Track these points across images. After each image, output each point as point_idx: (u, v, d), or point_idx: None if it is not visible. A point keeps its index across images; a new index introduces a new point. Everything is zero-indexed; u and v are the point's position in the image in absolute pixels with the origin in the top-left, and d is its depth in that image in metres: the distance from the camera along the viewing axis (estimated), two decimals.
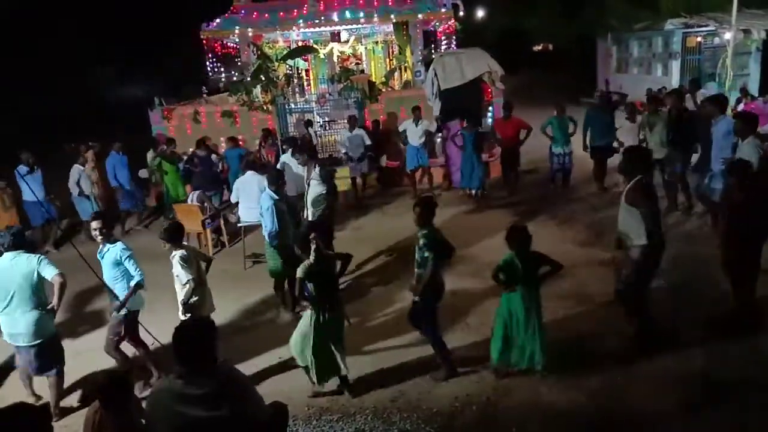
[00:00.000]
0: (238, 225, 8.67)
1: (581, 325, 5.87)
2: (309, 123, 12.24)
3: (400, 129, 11.34)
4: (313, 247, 4.94)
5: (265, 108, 12.88)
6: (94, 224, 5.34)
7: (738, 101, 12.88)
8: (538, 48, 41.67)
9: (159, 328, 5.49)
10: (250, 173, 8.29)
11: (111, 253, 5.31)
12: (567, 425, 4.50)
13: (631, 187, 5.02)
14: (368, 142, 11.15)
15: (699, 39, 19.24)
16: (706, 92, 12.80)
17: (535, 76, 33.88)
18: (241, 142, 11.63)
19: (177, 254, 5.30)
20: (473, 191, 10.68)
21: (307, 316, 5.04)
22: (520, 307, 4.93)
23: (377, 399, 5.00)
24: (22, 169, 9.32)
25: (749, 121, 6.61)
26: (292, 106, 13.55)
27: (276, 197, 6.59)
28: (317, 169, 7.85)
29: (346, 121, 11.70)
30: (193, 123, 12.93)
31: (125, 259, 5.28)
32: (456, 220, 9.60)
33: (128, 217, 10.99)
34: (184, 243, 5.58)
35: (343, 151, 11.37)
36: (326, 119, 13.58)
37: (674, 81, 18.63)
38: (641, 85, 18.85)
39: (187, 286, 5.25)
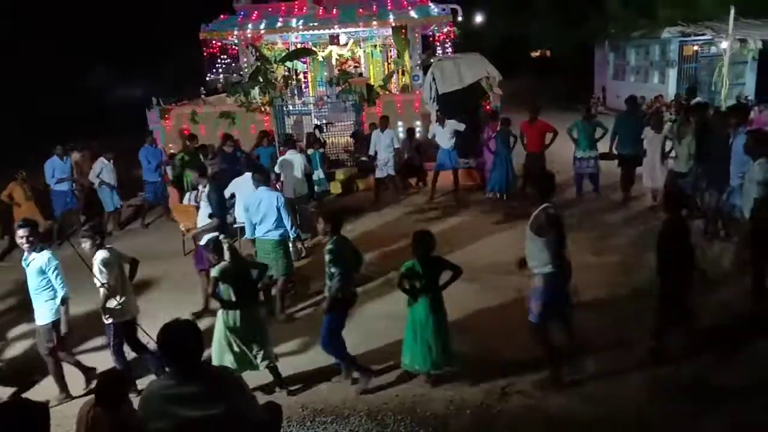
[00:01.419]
0: (234, 226, 8.65)
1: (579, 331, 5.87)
2: (319, 129, 12.08)
3: (429, 135, 11.25)
4: (226, 248, 5.11)
5: (263, 109, 12.90)
6: (21, 232, 5.10)
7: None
8: (535, 54, 41.78)
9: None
10: (249, 174, 8.21)
11: (36, 261, 5.14)
12: (561, 429, 4.51)
13: (536, 214, 4.85)
14: (397, 145, 11.11)
15: (696, 48, 19.38)
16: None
17: (532, 81, 33.98)
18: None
19: (98, 256, 5.17)
20: (502, 194, 10.73)
21: (219, 320, 5.14)
22: (424, 313, 4.99)
23: (371, 401, 5.00)
24: (56, 160, 10.14)
25: (762, 140, 6.10)
26: (290, 108, 13.57)
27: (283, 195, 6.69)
28: None
29: (352, 123, 11.64)
30: (191, 123, 12.93)
31: (50, 270, 5.11)
32: (475, 224, 9.67)
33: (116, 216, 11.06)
34: (107, 245, 5.40)
35: (372, 152, 11.24)
36: (324, 122, 13.59)
37: (671, 89, 18.76)
38: (637, 93, 18.91)
39: (101, 290, 5.14)
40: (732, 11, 12.39)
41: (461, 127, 10.93)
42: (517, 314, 6.28)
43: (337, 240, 5.12)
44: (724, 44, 13.41)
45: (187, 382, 2.86)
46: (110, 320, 5.26)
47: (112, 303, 5.20)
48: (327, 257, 5.02)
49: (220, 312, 5.17)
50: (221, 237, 5.35)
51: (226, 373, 3.13)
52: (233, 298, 5.09)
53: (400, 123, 12.62)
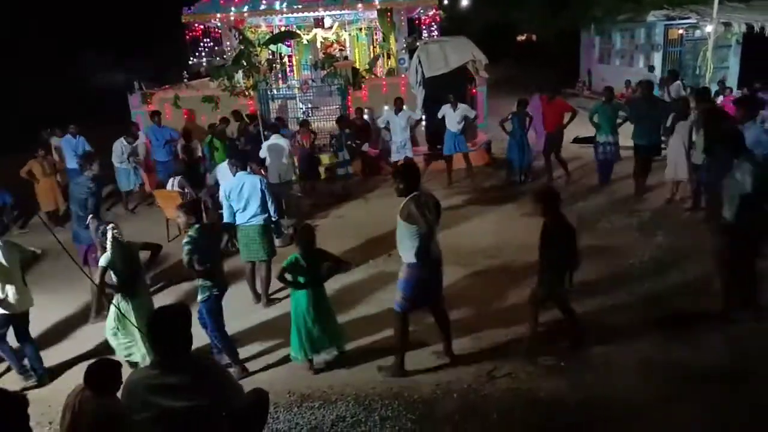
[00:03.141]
0: (219, 211, 8.57)
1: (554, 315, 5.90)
2: (306, 124, 11.83)
3: (439, 115, 10.92)
4: (110, 236, 5.20)
5: (246, 93, 12.74)
6: None
7: (717, 94, 13.02)
8: (521, 38, 41.68)
9: None
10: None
11: None
12: (548, 412, 4.52)
13: (405, 203, 4.69)
14: (417, 117, 10.84)
15: (681, 31, 19.42)
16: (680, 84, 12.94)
17: (518, 65, 33.93)
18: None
19: None
20: (520, 177, 10.75)
21: (112, 309, 5.24)
22: (305, 305, 5.06)
23: (358, 386, 4.99)
24: (70, 139, 10.97)
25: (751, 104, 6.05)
26: (275, 92, 13.42)
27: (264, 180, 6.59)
28: None
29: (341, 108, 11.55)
30: (174, 108, 12.75)
31: None
32: (466, 208, 9.62)
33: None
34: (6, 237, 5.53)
35: (388, 138, 11.14)
36: (309, 106, 13.46)
37: (656, 72, 18.79)
38: (623, 77, 19.00)
39: None
40: None
41: (472, 113, 10.75)
42: (504, 298, 6.35)
43: (198, 227, 5.20)
44: (709, 28, 13.44)
45: (172, 372, 2.82)
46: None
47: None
48: (184, 240, 5.13)
49: (114, 300, 5.26)
50: (110, 227, 5.36)
51: (210, 363, 3.09)
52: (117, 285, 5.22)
53: (386, 107, 12.52)
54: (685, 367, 4.91)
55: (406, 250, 4.78)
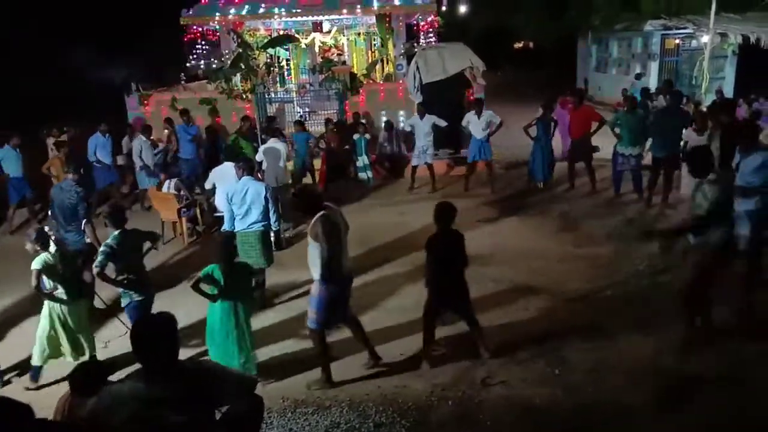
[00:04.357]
0: (215, 215, 8.56)
1: (549, 323, 5.92)
2: (301, 121, 11.81)
3: (463, 123, 10.78)
4: (53, 240, 5.28)
5: (244, 96, 12.74)
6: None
7: (713, 103, 13.07)
8: (519, 45, 41.85)
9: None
10: (228, 163, 8.07)
11: None
12: (542, 419, 4.53)
13: (314, 222, 4.76)
14: (443, 124, 10.82)
15: (677, 41, 19.52)
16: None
17: (516, 73, 34.06)
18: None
19: None
20: (541, 183, 10.69)
21: (45, 312, 5.26)
22: (217, 317, 5.02)
23: (353, 392, 4.98)
24: (99, 137, 10.68)
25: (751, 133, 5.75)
26: (272, 95, 13.42)
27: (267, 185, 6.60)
28: None
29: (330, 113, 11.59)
30: (171, 110, 12.74)
31: None
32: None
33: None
34: None
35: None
36: (307, 110, 13.47)
37: (652, 81, 18.88)
38: (619, 85, 19.07)
39: None
40: (713, 5, 12.46)
41: (497, 119, 10.56)
42: (495, 305, 6.34)
43: (119, 232, 5.21)
44: (705, 38, 13.50)
45: (159, 383, 2.64)
46: None
47: None
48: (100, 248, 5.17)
49: (46, 304, 5.26)
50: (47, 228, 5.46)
51: (203, 371, 2.91)
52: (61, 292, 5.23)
53: (383, 112, 12.54)
54: (674, 371, 4.92)
55: (314, 268, 4.82)
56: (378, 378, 5.16)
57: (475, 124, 10.52)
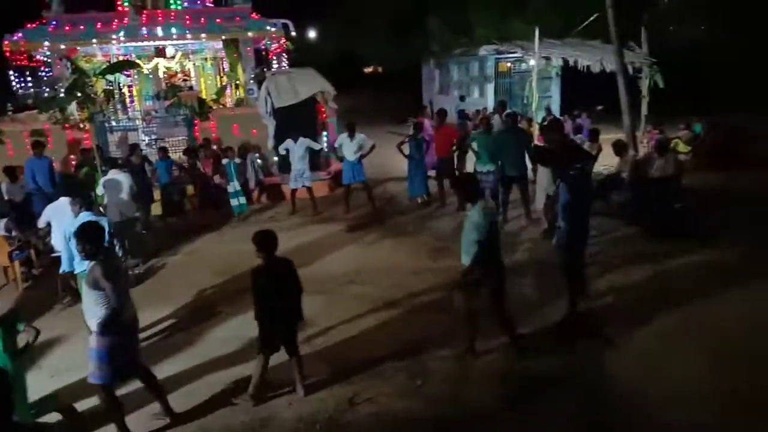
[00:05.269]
0: (52, 255, 7.83)
1: (408, 335, 6.11)
2: (133, 147, 11.25)
3: (336, 144, 10.83)
4: None
5: (81, 126, 11.88)
6: None
7: (544, 120, 14.41)
8: (369, 70, 43.20)
9: None
10: (64, 199, 7.41)
11: None
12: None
13: (92, 267, 4.47)
14: (317, 147, 10.76)
15: (509, 64, 21.29)
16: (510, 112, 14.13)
17: (366, 96, 35.04)
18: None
19: None
20: (424, 197, 10.87)
21: None
22: None
23: (216, 429, 4.78)
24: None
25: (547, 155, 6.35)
26: (114, 123, 12.64)
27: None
28: None
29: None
30: None
31: None
32: (330, 236, 9.48)
33: None
34: None
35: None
36: (153, 137, 12.84)
37: (489, 102, 20.37)
38: (461, 107, 20.36)
39: None
40: (537, 32, 13.78)
41: (369, 143, 10.66)
42: (361, 323, 6.44)
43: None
44: (532, 61, 14.86)
45: None
46: None
47: None
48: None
49: None
50: None
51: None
52: None
53: (237, 137, 12.30)
54: (528, 374, 5.30)
55: (92, 318, 4.46)
56: (242, 414, 4.97)
57: (348, 146, 10.61)
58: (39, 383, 5.23)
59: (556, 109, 18.17)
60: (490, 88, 21.59)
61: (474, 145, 10.00)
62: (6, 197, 9.88)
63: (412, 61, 27.05)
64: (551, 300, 6.50)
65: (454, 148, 10.84)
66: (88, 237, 4.49)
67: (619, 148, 9.71)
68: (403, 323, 6.40)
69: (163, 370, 5.55)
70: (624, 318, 6.14)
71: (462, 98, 19.63)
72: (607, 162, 10.99)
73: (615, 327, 5.97)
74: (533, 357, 5.52)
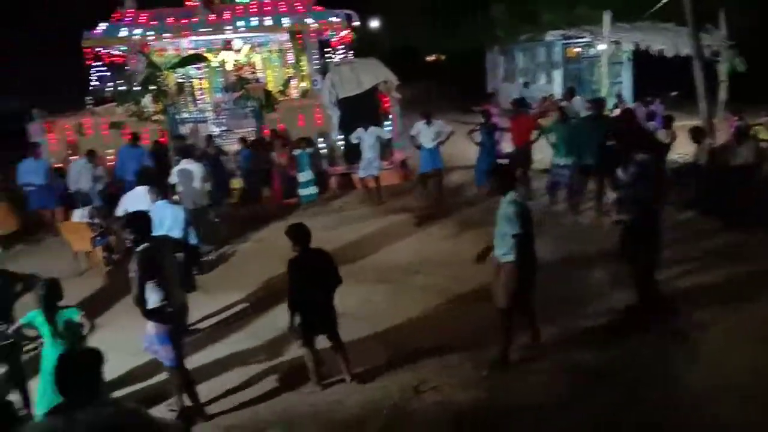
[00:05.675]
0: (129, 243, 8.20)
1: (475, 325, 6.07)
2: (210, 138, 11.66)
3: (412, 133, 10.55)
4: None
5: (154, 118, 12.37)
6: None
7: (615, 106, 13.95)
8: (431, 59, 42.84)
9: None
10: (141, 187, 7.72)
11: None
12: (474, 423, 4.62)
13: (133, 257, 4.63)
14: (387, 136, 10.80)
15: (578, 49, 20.65)
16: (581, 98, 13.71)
17: (428, 85, 34.82)
18: None
19: None
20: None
21: None
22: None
23: (286, 413, 4.91)
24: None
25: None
26: (185, 115, 13.09)
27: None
28: None
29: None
30: (78, 135, 12.18)
31: None
32: (396, 226, 9.58)
33: None
34: None
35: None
36: (223, 128, 13.23)
37: (557, 89, 19.85)
38: (526, 94, 19.91)
39: None
40: (605, 16, 13.30)
41: (447, 129, 10.48)
42: (426, 313, 6.45)
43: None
44: (601, 46, 14.41)
45: (78, 419, 2.50)
46: None
47: None
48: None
49: None
50: None
51: (125, 411, 2.79)
52: None
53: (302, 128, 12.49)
54: (591, 371, 5.13)
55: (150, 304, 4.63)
56: (311, 398, 5.09)
57: (425, 133, 10.34)
58: (119, 363, 5.49)
59: (627, 96, 17.49)
60: (557, 74, 21.03)
61: (551, 136, 9.53)
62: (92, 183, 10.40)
63: (475, 49, 26.64)
64: (611, 292, 6.36)
65: (534, 137, 10.21)
66: (134, 225, 4.73)
67: (697, 134, 9.26)
68: (468, 314, 6.35)
69: (231, 354, 5.75)
70: (694, 311, 5.90)
71: (525, 85, 19.19)
72: (682, 150, 10.50)
73: (686, 320, 5.77)
74: (593, 350, 5.39)
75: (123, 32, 13.79)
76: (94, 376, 2.66)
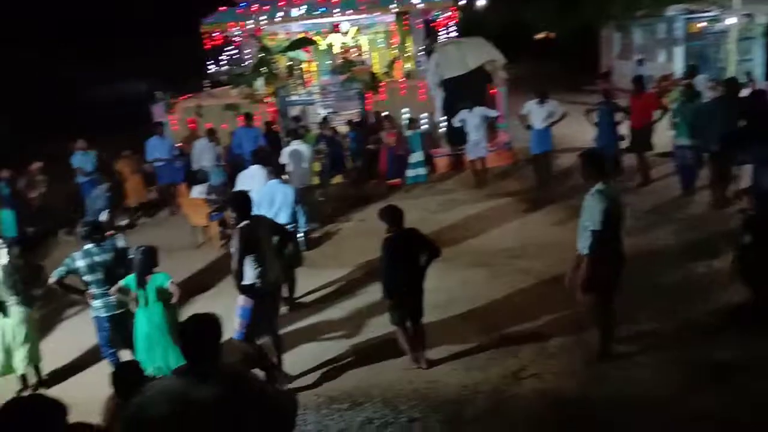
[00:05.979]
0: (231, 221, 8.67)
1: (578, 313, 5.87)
2: (326, 119, 11.98)
3: (523, 112, 10.12)
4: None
5: (266, 100, 12.90)
6: None
7: (744, 86, 12.81)
8: (539, 36, 41.34)
9: None
10: (255, 166, 8.09)
11: None
12: (574, 412, 4.52)
13: (233, 233, 4.94)
14: (494, 114, 10.85)
15: (702, 24, 19.13)
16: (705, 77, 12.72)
17: (537, 64, 33.71)
18: None
19: None
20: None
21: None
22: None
23: (385, 388, 5.04)
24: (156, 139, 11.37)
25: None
26: (294, 97, 13.55)
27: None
28: None
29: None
30: (197, 117, 12.96)
31: None
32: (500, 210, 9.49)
33: None
34: None
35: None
36: (329, 110, 13.57)
37: (677, 67, 18.55)
38: (640, 72, 18.75)
39: None
40: None
41: (560, 110, 9.93)
42: (526, 298, 6.33)
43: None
44: (730, 20, 13.25)
45: (201, 382, 2.67)
46: None
47: None
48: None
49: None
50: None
51: (241, 374, 3.01)
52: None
53: (406, 109, 12.53)
54: (702, 366, 4.85)
55: (246, 276, 4.92)
56: (410, 375, 5.19)
57: (537, 113, 9.84)
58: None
59: (759, 74, 15.99)
60: (678, 51, 19.62)
61: (675, 115, 8.92)
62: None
63: (588, 26, 25.37)
64: (728, 285, 5.86)
65: (656, 117, 9.51)
66: (236, 204, 5.07)
67: None
68: (569, 301, 6.14)
69: (332, 328, 5.96)
70: None
71: (640, 62, 18.02)
72: None
73: None
74: (703, 345, 5.08)
75: (237, 17, 14.42)
76: (214, 342, 2.86)
